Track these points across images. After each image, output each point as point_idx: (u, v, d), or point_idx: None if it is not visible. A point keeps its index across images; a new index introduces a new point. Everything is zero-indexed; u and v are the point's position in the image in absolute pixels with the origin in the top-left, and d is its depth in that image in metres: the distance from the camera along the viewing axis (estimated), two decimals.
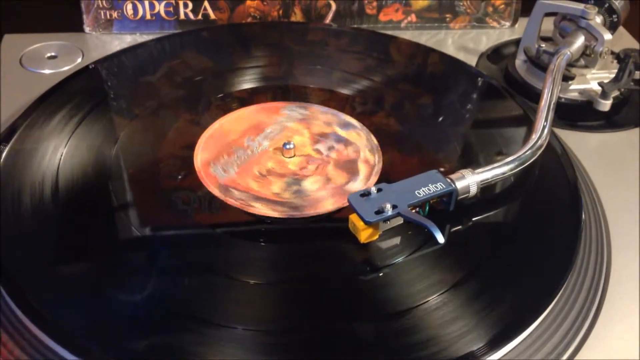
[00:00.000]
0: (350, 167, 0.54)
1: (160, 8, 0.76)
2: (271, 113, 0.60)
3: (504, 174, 0.51)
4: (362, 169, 0.54)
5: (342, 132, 0.58)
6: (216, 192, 0.51)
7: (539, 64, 0.67)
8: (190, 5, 0.76)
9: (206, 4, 0.76)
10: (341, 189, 0.53)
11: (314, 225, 0.50)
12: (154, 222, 0.50)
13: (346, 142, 0.57)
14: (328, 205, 0.51)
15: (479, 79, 0.66)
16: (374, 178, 0.54)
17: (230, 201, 0.51)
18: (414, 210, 0.47)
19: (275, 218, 0.50)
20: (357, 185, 0.53)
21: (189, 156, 0.55)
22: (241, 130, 0.58)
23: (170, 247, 0.48)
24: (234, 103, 0.62)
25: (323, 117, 0.60)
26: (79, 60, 0.72)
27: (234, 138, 0.57)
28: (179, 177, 0.53)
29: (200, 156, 0.54)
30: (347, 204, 0.47)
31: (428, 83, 0.67)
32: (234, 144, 0.56)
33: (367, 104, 0.63)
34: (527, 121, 0.59)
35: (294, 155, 0.55)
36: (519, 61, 0.71)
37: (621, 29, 0.76)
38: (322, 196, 0.52)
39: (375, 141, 0.57)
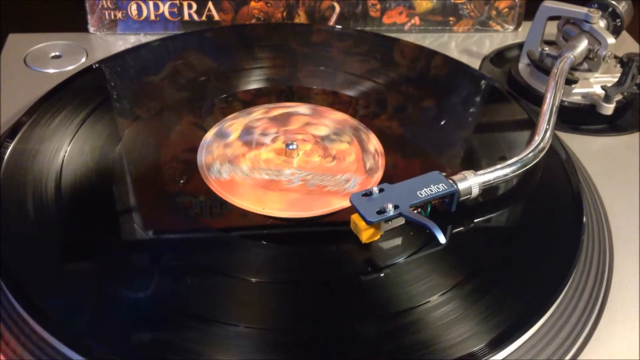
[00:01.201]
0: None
1: (164, 9, 0.76)
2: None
3: (505, 175, 0.51)
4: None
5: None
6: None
7: (542, 67, 0.67)
8: (195, 6, 0.76)
9: (210, 5, 0.76)
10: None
11: (316, 225, 0.50)
12: (157, 221, 0.50)
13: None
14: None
15: (482, 82, 0.67)
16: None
17: (235, 201, 0.51)
18: (415, 211, 0.47)
19: (277, 218, 0.50)
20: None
21: (193, 157, 0.55)
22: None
23: (172, 246, 0.48)
24: (237, 104, 0.62)
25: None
26: (83, 60, 0.72)
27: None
28: (182, 178, 0.53)
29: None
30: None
31: (431, 86, 0.67)
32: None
33: (370, 106, 0.63)
34: (530, 124, 0.59)
35: (292, 157, 0.56)
36: (522, 64, 0.71)
37: (624, 33, 0.76)
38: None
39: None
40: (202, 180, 0.53)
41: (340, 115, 0.61)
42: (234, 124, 0.59)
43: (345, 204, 0.51)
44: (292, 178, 0.54)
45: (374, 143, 0.57)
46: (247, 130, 0.58)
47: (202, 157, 0.55)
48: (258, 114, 0.60)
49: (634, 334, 0.46)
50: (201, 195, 0.52)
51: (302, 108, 0.61)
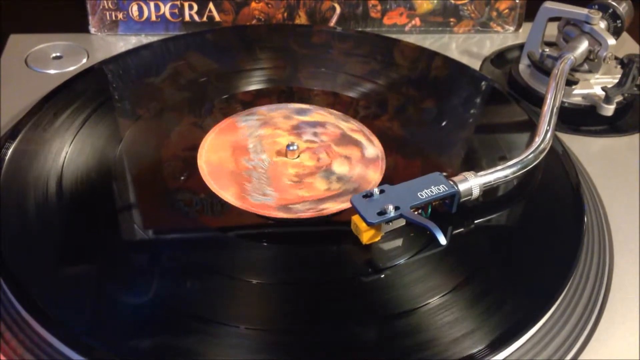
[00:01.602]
0: (349, 139, 0.55)
1: (165, 10, 0.76)
2: (232, 132, 0.58)
3: (506, 177, 0.51)
4: (358, 137, 0.56)
5: (306, 118, 0.59)
6: (276, 213, 0.51)
7: (542, 68, 0.67)
8: (195, 7, 0.76)
9: (211, 6, 0.76)
10: (364, 158, 0.54)
11: (317, 225, 0.50)
12: (157, 222, 0.50)
13: (320, 124, 0.57)
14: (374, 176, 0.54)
15: (483, 83, 0.67)
16: (374, 139, 0.58)
17: (238, 204, 0.51)
18: (416, 212, 0.47)
19: (278, 219, 0.50)
20: (371, 152, 0.55)
21: (193, 157, 0.55)
22: (230, 156, 0.56)
23: (173, 246, 0.48)
24: (237, 105, 0.62)
25: (276, 114, 0.60)
26: (84, 60, 0.72)
27: (232, 166, 0.54)
28: (182, 177, 0.53)
29: (222, 192, 0.52)
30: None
31: (432, 87, 0.67)
32: (241, 170, 0.54)
33: (370, 107, 0.63)
34: (531, 125, 0.59)
35: (299, 156, 0.56)
36: (523, 65, 0.72)
37: (625, 34, 0.76)
38: (360, 171, 0.54)
39: (337, 112, 0.60)
40: (202, 180, 0.53)
41: (374, 176, 0.55)
42: (322, 115, 0.61)
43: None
44: (254, 160, 0.55)
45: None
46: (315, 124, 0.60)
47: (260, 108, 0.59)
48: (346, 125, 0.60)
49: (634, 335, 0.46)
50: (201, 194, 0.52)
51: (372, 150, 0.57)
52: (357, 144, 0.55)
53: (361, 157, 0.54)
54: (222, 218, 0.51)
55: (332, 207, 0.51)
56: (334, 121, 0.59)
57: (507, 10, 0.80)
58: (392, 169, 0.55)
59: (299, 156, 0.56)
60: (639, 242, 0.53)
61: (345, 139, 0.55)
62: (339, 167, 0.55)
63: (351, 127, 0.57)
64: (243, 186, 0.52)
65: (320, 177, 0.54)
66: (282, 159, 0.56)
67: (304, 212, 0.50)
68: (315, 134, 0.58)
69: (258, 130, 0.58)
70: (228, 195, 0.52)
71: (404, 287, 0.45)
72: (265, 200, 0.51)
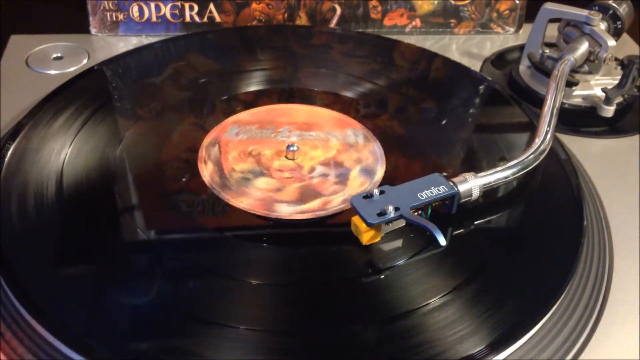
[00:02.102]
0: (305, 195, 0.52)
1: (166, 10, 0.76)
2: (336, 125, 0.60)
3: (506, 178, 0.51)
4: (313, 202, 0.52)
5: (352, 174, 0.55)
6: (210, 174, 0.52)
7: (542, 69, 0.67)
8: (196, 8, 0.76)
9: (212, 6, 0.76)
10: (271, 202, 0.52)
11: (316, 226, 0.50)
12: (157, 222, 0.50)
13: (340, 182, 0.54)
14: (243, 202, 0.51)
15: (483, 84, 0.67)
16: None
17: (233, 201, 0.51)
18: (416, 213, 0.47)
19: (278, 220, 0.50)
20: (284, 209, 0.51)
21: (194, 157, 0.55)
22: (296, 120, 0.60)
23: (173, 247, 0.48)
24: (238, 105, 0.62)
25: (364, 154, 0.57)
26: (85, 61, 0.72)
27: (283, 120, 0.59)
28: (183, 178, 0.53)
29: (239, 116, 0.54)
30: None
31: (432, 88, 0.67)
32: (274, 124, 0.57)
33: (371, 108, 0.63)
34: (531, 126, 0.59)
35: (293, 159, 0.56)
36: (523, 67, 0.72)
37: (625, 35, 0.76)
38: (250, 193, 0.52)
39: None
40: (203, 180, 0.53)
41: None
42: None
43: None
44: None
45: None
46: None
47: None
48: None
49: (634, 336, 0.46)
50: (202, 197, 0.52)
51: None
52: (300, 200, 0.52)
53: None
54: (222, 219, 0.51)
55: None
56: (345, 194, 0.56)
57: (507, 12, 0.80)
58: (393, 169, 0.55)
59: (292, 159, 0.56)
60: (639, 243, 0.53)
61: (306, 193, 0.53)
62: (338, 139, 0.57)
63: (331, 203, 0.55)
64: (252, 124, 0.54)
65: (338, 147, 0.57)
66: (294, 163, 0.56)
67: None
68: (322, 175, 0.55)
69: (336, 141, 0.58)
70: (310, 207, 0.51)
71: (404, 288, 0.45)
72: (231, 135, 0.54)
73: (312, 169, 0.55)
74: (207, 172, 0.54)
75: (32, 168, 0.52)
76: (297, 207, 0.51)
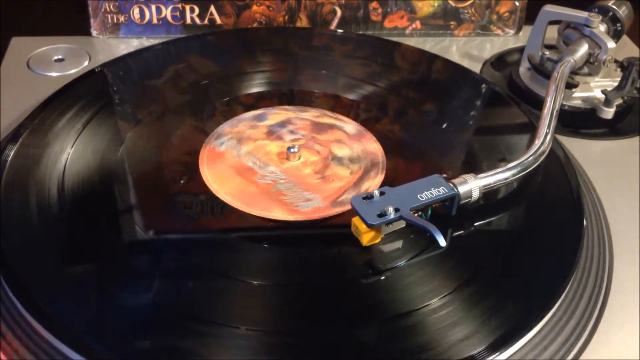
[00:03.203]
0: (322, 125, 0.54)
1: (166, 13, 0.76)
2: (220, 159, 0.56)
3: (506, 179, 0.51)
4: (327, 120, 0.55)
5: (269, 122, 0.59)
6: (331, 211, 0.51)
7: (542, 71, 0.68)
8: (197, 10, 0.76)
9: (212, 9, 0.77)
10: (350, 136, 0.54)
11: (317, 228, 0.51)
12: (158, 223, 0.50)
13: (286, 121, 0.57)
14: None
15: (483, 85, 0.67)
16: (343, 117, 0.60)
17: (233, 203, 0.51)
18: (416, 214, 0.47)
19: (279, 220, 0.50)
20: (350, 129, 0.53)
21: (195, 158, 0.55)
22: (243, 181, 0.54)
23: (174, 248, 0.48)
24: (239, 108, 0.62)
25: (242, 127, 0.59)
26: (86, 63, 0.72)
27: (255, 189, 0.53)
28: (183, 180, 0.54)
29: (271, 214, 0.51)
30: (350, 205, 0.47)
31: (432, 89, 0.67)
32: (267, 189, 0.53)
33: (371, 110, 0.63)
34: (531, 128, 0.59)
35: (300, 157, 0.56)
36: (523, 68, 0.72)
37: (625, 37, 0.76)
38: (359, 146, 0.55)
39: (290, 107, 0.59)
40: (203, 182, 0.53)
41: (374, 147, 0.58)
42: (280, 114, 0.60)
43: (282, 216, 0.51)
44: (267, 175, 0.54)
45: (377, 182, 0.55)
46: (284, 123, 0.59)
47: (222, 128, 0.57)
48: (309, 115, 0.61)
49: (634, 337, 0.46)
50: (201, 195, 0.52)
51: (350, 127, 0.60)
52: (333, 127, 0.55)
53: (348, 136, 0.54)
54: (223, 220, 0.51)
55: (372, 184, 0.53)
56: (295, 115, 0.60)
57: (507, 14, 0.80)
58: (393, 171, 0.56)
59: (300, 157, 0.56)
60: (639, 244, 0.53)
61: (319, 126, 0.55)
62: (341, 151, 0.56)
63: (314, 114, 0.58)
64: (283, 201, 0.52)
65: (335, 165, 0.55)
66: (291, 164, 0.56)
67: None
68: (292, 132, 0.58)
69: (241, 148, 0.57)
70: (279, 215, 0.51)
71: (404, 289, 0.45)
72: (314, 204, 0.51)
73: (320, 161, 0.56)
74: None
75: (34, 170, 0.52)
76: (344, 197, 0.52)
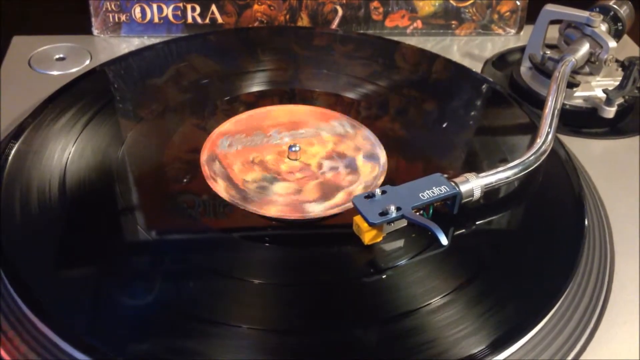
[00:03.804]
0: (327, 191, 0.53)
1: (168, 12, 0.76)
2: (320, 119, 0.61)
3: (507, 178, 0.51)
4: (337, 196, 0.53)
5: (359, 162, 0.56)
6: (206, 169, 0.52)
7: (543, 70, 0.68)
8: (198, 9, 0.76)
9: (214, 8, 0.77)
10: (299, 205, 0.52)
11: (318, 227, 0.51)
12: (160, 223, 0.50)
13: (352, 171, 0.55)
14: (272, 210, 0.51)
15: (484, 85, 0.67)
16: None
17: (261, 211, 0.51)
18: (418, 213, 0.48)
19: (280, 219, 0.50)
20: (314, 208, 0.51)
21: (196, 158, 0.55)
22: (281, 121, 0.60)
23: (175, 247, 0.48)
24: (240, 107, 0.62)
25: (359, 141, 0.58)
26: (87, 62, 0.72)
27: (268, 124, 0.59)
28: (185, 179, 0.54)
29: (223, 127, 0.54)
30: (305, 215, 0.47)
31: (433, 89, 0.67)
32: (261, 129, 0.57)
33: (372, 109, 0.63)
34: (532, 128, 0.59)
35: (297, 159, 0.56)
36: (524, 68, 0.72)
37: (626, 37, 0.76)
38: (274, 200, 0.52)
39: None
40: (205, 180, 0.53)
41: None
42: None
43: (283, 214, 0.51)
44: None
45: (378, 178, 0.55)
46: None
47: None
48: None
49: (635, 336, 0.46)
50: (204, 195, 0.52)
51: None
52: (322, 197, 0.52)
53: (297, 202, 0.52)
54: (223, 219, 0.51)
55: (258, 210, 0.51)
56: (360, 181, 0.56)
57: (508, 13, 0.80)
58: (394, 170, 0.56)
59: (296, 160, 0.56)
60: None
61: (326, 188, 0.53)
62: (278, 188, 0.53)
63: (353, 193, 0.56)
64: (239, 133, 0.53)
65: (261, 175, 0.54)
66: (300, 163, 0.56)
67: (209, 171, 0.53)
68: (332, 169, 0.56)
69: (327, 133, 0.58)
70: (336, 201, 0.52)
71: (405, 288, 0.45)
72: (222, 146, 0.54)
73: (320, 165, 0.56)
74: (221, 188, 0.53)
75: (35, 168, 0.52)
76: (324, 203, 0.52)
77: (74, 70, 0.70)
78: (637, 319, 0.47)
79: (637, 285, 0.50)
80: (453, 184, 0.49)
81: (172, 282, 0.45)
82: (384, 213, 0.46)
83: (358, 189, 0.53)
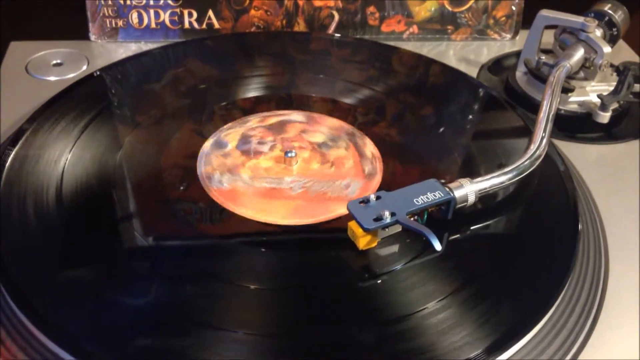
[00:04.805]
0: (280, 126, 0.55)
1: (165, 17, 0.76)
2: (315, 123, 0.61)
3: (502, 183, 0.51)
4: (282, 119, 0.55)
5: (354, 167, 0.57)
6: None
7: (539, 75, 0.68)
8: (195, 14, 0.77)
9: (211, 13, 0.77)
10: (295, 210, 0.52)
11: (313, 232, 0.51)
12: (156, 228, 0.50)
13: (250, 132, 0.57)
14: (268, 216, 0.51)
15: (480, 90, 0.67)
16: (291, 111, 0.62)
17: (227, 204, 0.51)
18: (412, 218, 0.48)
19: (275, 225, 0.50)
20: (309, 213, 0.52)
21: (193, 164, 0.56)
22: (276, 202, 0.54)
23: (172, 253, 0.49)
24: (237, 112, 0.62)
25: (355, 147, 0.59)
26: (85, 67, 0.72)
27: (298, 202, 0.54)
28: (182, 185, 0.54)
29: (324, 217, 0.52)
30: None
31: (429, 94, 0.67)
32: (308, 195, 0.54)
33: (369, 114, 0.63)
34: (527, 132, 0.59)
35: (294, 165, 0.56)
36: (520, 73, 0.72)
37: (621, 42, 0.77)
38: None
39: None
40: (203, 188, 0.53)
41: (335, 122, 0.61)
42: (231, 134, 0.59)
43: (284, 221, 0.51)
44: (293, 186, 0.54)
45: (370, 148, 0.58)
46: (245, 140, 0.59)
47: (202, 168, 0.55)
48: (254, 123, 0.61)
49: (630, 339, 0.46)
50: (202, 202, 0.52)
51: (297, 115, 0.62)
52: (284, 123, 0.55)
53: (304, 124, 0.54)
54: (221, 225, 0.51)
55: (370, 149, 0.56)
56: (245, 129, 0.60)
57: (504, 18, 0.81)
58: (390, 175, 0.56)
59: (299, 158, 0.57)
60: (635, 248, 0.53)
61: (276, 128, 0.55)
62: (315, 138, 0.58)
63: (257, 120, 0.59)
64: (332, 197, 0.53)
65: (327, 150, 0.57)
66: (299, 167, 0.56)
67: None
68: (262, 143, 0.58)
69: (242, 176, 0.55)
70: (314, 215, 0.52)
71: (400, 293, 0.45)
72: (356, 186, 0.54)
73: (315, 171, 0.56)
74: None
75: (33, 174, 0.52)
76: (299, 213, 0.52)
77: (71, 75, 0.71)
78: (632, 322, 0.47)
79: (632, 289, 0.50)
80: (447, 189, 0.49)
81: (169, 289, 0.45)
82: (378, 218, 0.46)
83: (353, 195, 0.53)
